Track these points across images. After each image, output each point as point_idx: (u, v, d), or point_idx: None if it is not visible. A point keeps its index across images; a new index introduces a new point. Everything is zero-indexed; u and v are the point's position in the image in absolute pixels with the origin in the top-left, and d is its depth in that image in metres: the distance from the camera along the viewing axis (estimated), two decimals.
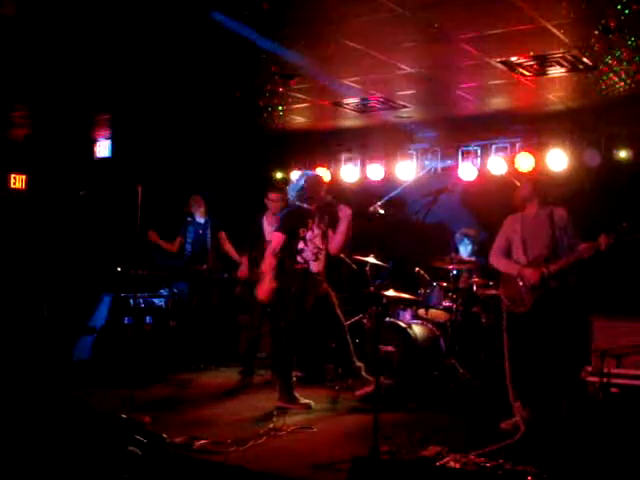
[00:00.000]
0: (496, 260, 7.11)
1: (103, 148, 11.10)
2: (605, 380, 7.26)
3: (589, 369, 7.66)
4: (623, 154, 8.52)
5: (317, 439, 6.54)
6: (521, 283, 6.71)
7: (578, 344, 7.55)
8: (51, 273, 10.65)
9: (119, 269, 9.29)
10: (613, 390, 7.45)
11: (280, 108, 9.02)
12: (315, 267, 7.71)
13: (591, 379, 7.60)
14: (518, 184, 7.50)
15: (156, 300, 10.09)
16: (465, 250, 9.32)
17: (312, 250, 7.71)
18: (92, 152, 11.13)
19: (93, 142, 11.12)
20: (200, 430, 6.48)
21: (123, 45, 6.87)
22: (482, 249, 8.63)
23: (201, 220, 10.45)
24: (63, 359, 9.52)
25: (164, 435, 6.01)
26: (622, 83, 7.47)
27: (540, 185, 7.10)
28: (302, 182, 7.85)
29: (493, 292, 8.24)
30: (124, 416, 6.35)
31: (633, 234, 6.26)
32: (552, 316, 6.59)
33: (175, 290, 10.48)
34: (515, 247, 6.95)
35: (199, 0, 5.78)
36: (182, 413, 7.40)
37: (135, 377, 8.00)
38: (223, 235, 10.42)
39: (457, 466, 5.37)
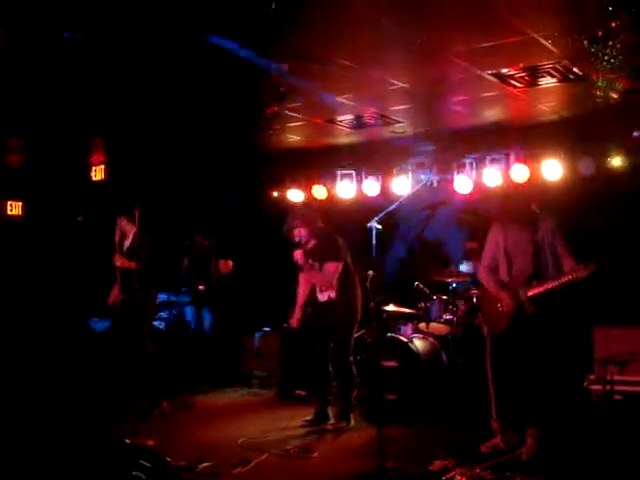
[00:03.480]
0: (483, 277, 6.85)
1: (99, 172, 11.10)
2: (608, 388, 7.26)
3: (592, 377, 7.67)
4: (617, 162, 8.53)
5: (321, 457, 6.51)
6: (499, 306, 6.48)
7: (573, 355, 7.55)
8: (49, 299, 10.61)
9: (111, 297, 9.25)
10: (617, 397, 7.45)
11: (275, 127, 9.05)
12: (321, 297, 7.80)
13: (594, 387, 7.61)
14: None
15: (156, 323, 10.07)
16: (467, 263, 9.31)
17: None
18: (89, 176, 11.12)
19: (89, 166, 11.11)
20: (204, 452, 6.46)
21: (118, 69, 6.90)
22: None
23: (203, 242, 10.46)
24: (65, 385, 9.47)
25: (168, 459, 5.98)
26: (613, 92, 7.50)
27: (511, 199, 6.99)
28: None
29: None
30: (128, 441, 6.33)
31: (614, 265, 6.10)
32: (530, 339, 6.28)
33: (174, 312, 10.48)
34: (500, 262, 6.67)
35: (193, 24, 5.82)
36: (186, 436, 7.37)
37: (138, 401, 8.04)
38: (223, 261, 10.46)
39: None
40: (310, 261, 7.74)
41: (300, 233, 7.75)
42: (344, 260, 7.71)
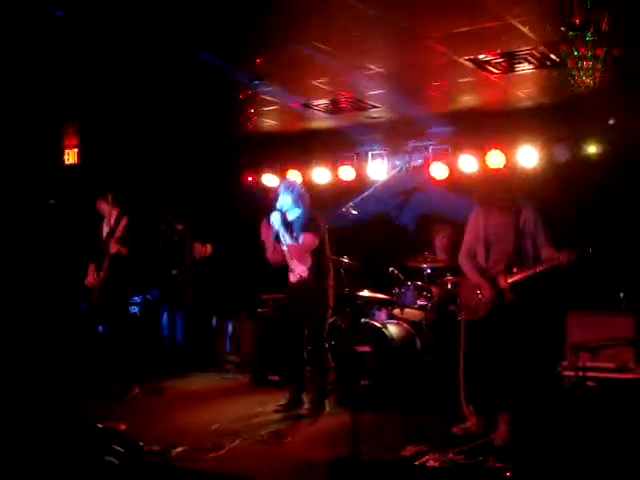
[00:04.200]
0: (463, 262, 6.82)
1: (72, 155, 11.00)
2: (581, 374, 7.29)
3: (565, 364, 7.70)
4: (592, 149, 8.55)
5: (295, 442, 6.52)
6: (478, 293, 6.48)
7: (545, 342, 7.56)
8: (21, 283, 10.52)
9: (90, 278, 9.17)
10: (589, 384, 7.49)
11: (251, 111, 9.00)
12: (292, 277, 7.73)
13: (567, 373, 7.64)
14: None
15: (130, 308, 10.01)
16: (441, 247, 9.32)
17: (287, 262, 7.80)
18: (61, 160, 11.02)
19: (62, 149, 11.01)
20: (177, 437, 6.43)
21: (90, 53, 6.83)
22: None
23: (178, 226, 10.39)
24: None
25: (141, 443, 5.94)
26: (589, 79, 7.50)
27: (491, 186, 6.96)
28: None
29: None
30: (100, 425, 6.29)
31: (597, 251, 6.10)
32: (507, 325, 6.30)
33: (149, 297, 10.42)
34: (478, 248, 6.65)
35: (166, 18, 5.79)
36: (159, 420, 7.33)
37: (110, 385, 8.00)
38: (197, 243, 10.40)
39: (436, 465, 5.38)
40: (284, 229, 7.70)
41: (283, 199, 7.77)
42: (321, 239, 7.66)
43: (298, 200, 7.74)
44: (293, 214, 7.75)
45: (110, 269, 8.35)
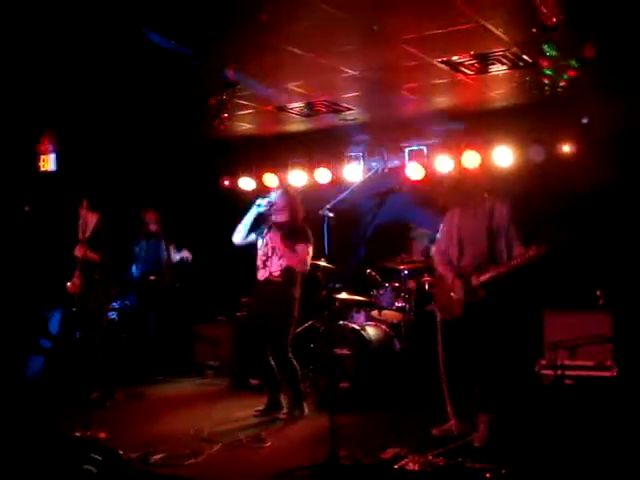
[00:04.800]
0: (436, 261, 6.86)
1: (48, 161, 10.93)
2: (559, 372, 7.33)
3: (543, 362, 7.74)
4: (566, 149, 8.60)
5: (275, 447, 6.48)
6: (451, 293, 6.47)
7: (523, 341, 7.61)
8: None
9: (69, 284, 9.13)
10: (567, 382, 7.54)
11: (225, 115, 8.98)
12: (260, 274, 7.70)
13: (545, 372, 7.68)
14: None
15: (108, 313, 9.96)
16: (419, 248, 9.34)
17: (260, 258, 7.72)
18: (36, 166, 10.95)
19: (37, 155, 10.94)
20: (156, 444, 6.38)
21: (65, 59, 6.81)
22: None
23: (153, 231, 10.34)
24: (15, 378, 9.34)
25: (120, 451, 5.92)
26: (562, 79, 7.56)
27: (463, 185, 6.85)
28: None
29: None
30: (78, 434, 6.26)
31: (565, 244, 6.11)
32: (481, 324, 6.27)
33: (127, 302, 10.37)
34: (451, 247, 6.65)
35: (138, 18, 5.76)
36: (138, 427, 7.29)
37: (89, 392, 7.95)
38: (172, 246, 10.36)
39: (416, 467, 5.38)
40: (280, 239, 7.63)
41: (280, 197, 7.73)
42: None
43: (291, 206, 7.73)
44: (280, 217, 7.71)
45: (82, 275, 8.29)
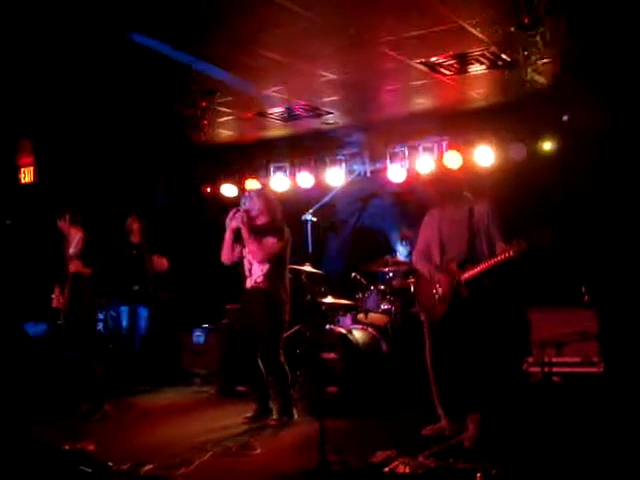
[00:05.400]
0: (417, 260, 6.83)
1: (28, 174, 10.89)
2: (547, 370, 7.34)
3: (530, 360, 7.76)
4: (547, 146, 8.64)
5: (265, 454, 6.45)
6: (434, 291, 6.45)
7: (510, 339, 7.61)
8: None
9: (53, 297, 9.08)
10: (555, 379, 7.55)
11: (205, 122, 8.97)
12: (248, 283, 7.67)
13: (533, 369, 7.69)
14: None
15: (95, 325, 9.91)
16: (404, 251, 9.35)
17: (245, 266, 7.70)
18: (17, 178, 10.91)
19: (18, 168, 10.90)
20: (146, 455, 6.35)
21: (43, 69, 6.78)
22: None
23: (135, 241, 10.29)
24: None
25: (110, 463, 5.88)
26: (541, 77, 7.59)
27: (443, 185, 6.80)
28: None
29: None
30: (67, 447, 6.22)
31: (545, 240, 6.10)
32: (467, 323, 6.25)
33: (112, 313, 10.32)
34: (433, 248, 6.63)
35: (116, 21, 5.73)
36: (127, 438, 7.25)
37: (78, 404, 7.90)
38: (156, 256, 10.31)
39: (407, 470, 5.38)
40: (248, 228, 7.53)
41: (254, 202, 7.61)
42: (284, 248, 7.57)
43: (267, 208, 7.67)
44: (260, 220, 7.66)
45: (72, 288, 8.26)
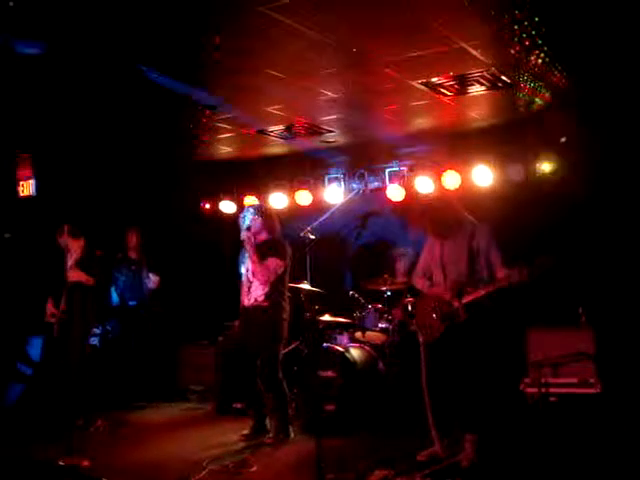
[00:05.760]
0: (416, 281, 6.88)
1: (27, 187, 10.89)
2: (543, 390, 7.34)
3: (527, 380, 7.75)
4: (546, 167, 8.66)
5: (260, 472, 6.44)
6: (432, 312, 6.47)
7: (507, 359, 7.61)
8: None
9: (48, 311, 9.06)
10: (552, 399, 7.55)
11: (204, 138, 9.02)
12: (247, 301, 7.70)
13: (530, 390, 7.69)
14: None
15: (90, 339, 9.89)
16: (402, 269, 9.34)
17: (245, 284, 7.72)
18: (16, 192, 10.91)
19: (17, 181, 10.90)
20: (141, 471, 6.37)
21: (44, 86, 6.80)
22: None
23: (133, 256, 10.30)
24: None
25: (104, 479, 5.87)
26: (540, 98, 7.64)
27: (435, 217, 6.70)
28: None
29: None
30: (61, 462, 6.21)
31: (546, 268, 6.12)
32: (464, 344, 6.26)
33: (108, 328, 10.31)
34: (435, 271, 6.65)
35: (118, 48, 5.80)
36: (122, 454, 7.23)
37: (73, 419, 7.87)
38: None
39: None
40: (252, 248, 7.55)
41: (255, 220, 7.64)
42: (286, 265, 7.63)
43: (268, 225, 7.71)
44: (261, 237, 7.69)
45: (69, 300, 8.24)
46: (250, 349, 7.63)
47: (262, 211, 7.78)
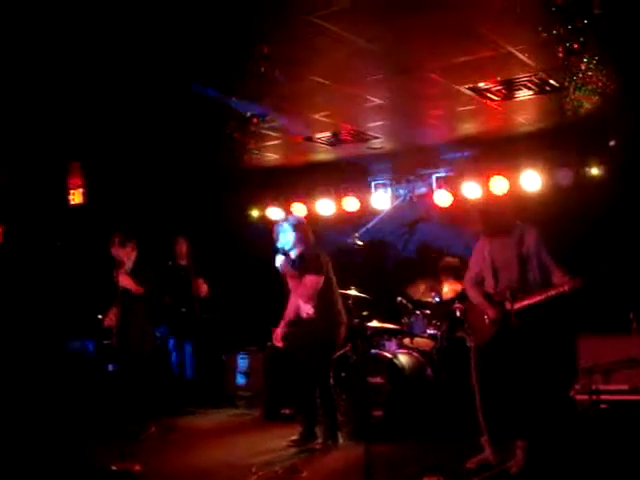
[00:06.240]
0: (467, 287, 6.87)
1: (77, 195, 11.03)
2: (594, 397, 7.26)
3: (578, 387, 7.68)
4: (595, 172, 8.58)
5: (310, 477, 6.44)
6: (484, 317, 6.46)
7: (558, 366, 7.54)
8: (29, 325, 10.53)
9: (100, 317, 9.18)
10: (602, 407, 7.47)
11: (252, 147, 9.06)
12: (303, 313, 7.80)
13: (580, 397, 7.61)
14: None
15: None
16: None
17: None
18: (66, 200, 11.06)
19: (67, 190, 11.05)
20: (191, 476, 6.41)
21: (94, 95, 6.90)
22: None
23: (183, 263, 10.38)
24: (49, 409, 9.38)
25: None
26: (589, 102, 7.56)
27: (489, 215, 6.76)
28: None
29: None
30: (114, 467, 6.28)
31: (598, 279, 6.09)
32: (516, 350, 6.22)
33: (158, 334, 10.41)
34: (486, 275, 6.63)
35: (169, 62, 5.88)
36: (172, 459, 7.30)
37: (123, 425, 7.95)
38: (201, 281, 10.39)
39: None
40: (290, 268, 7.68)
41: (286, 235, 7.72)
42: (325, 276, 7.66)
43: (300, 238, 7.76)
44: (295, 251, 7.76)
45: (122, 307, 8.32)
46: (301, 356, 7.68)
47: (295, 225, 7.82)
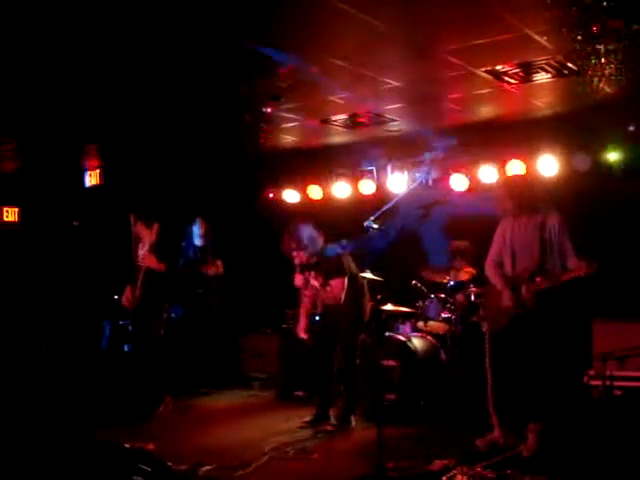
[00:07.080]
0: (488, 270, 6.85)
1: (94, 177, 11.08)
2: (608, 383, 7.24)
3: (592, 373, 7.66)
4: (613, 157, 8.51)
5: (321, 458, 6.50)
6: (501, 302, 6.49)
7: (572, 351, 7.52)
8: (47, 305, 10.60)
9: (116, 297, 9.22)
10: (616, 393, 7.45)
11: (268, 128, 9.04)
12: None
13: (594, 383, 7.60)
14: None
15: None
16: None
17: None
18: (82, 181, 11.10)
19: (83, 171, 11.09)
20: (205, 456, 6.44)
21: (112, 75, 6.90)
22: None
23: (199, 243, 10.38)
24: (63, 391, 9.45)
25: (169, 463, 5.95)
26: (607, 86, 7.49)
27: (517, 192, 6.77)
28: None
29: None
30: (128, 445, 6.31)
31: (614, 264, 6.08)
32: (531, 334, 6.27)
33: (173, 315, 10.44)
34: (505, 257, 6.67)
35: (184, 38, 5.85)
36: (186, 439, 7.35)
37: (137, 404, 8.00)
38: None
39: (464, 479, 5.36)
40: (313, 277, 7.80)
41: (299, 256, 7.78)
42: (348, 272, 7.75)
43: (314, 243, 7.82)
44: (308, 253, 7.79)
45: (144, 286, 8.36)
46: (332, 338, 7.83)
47: (301, 243, 7.82)
